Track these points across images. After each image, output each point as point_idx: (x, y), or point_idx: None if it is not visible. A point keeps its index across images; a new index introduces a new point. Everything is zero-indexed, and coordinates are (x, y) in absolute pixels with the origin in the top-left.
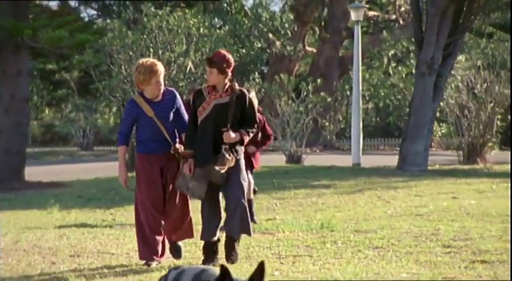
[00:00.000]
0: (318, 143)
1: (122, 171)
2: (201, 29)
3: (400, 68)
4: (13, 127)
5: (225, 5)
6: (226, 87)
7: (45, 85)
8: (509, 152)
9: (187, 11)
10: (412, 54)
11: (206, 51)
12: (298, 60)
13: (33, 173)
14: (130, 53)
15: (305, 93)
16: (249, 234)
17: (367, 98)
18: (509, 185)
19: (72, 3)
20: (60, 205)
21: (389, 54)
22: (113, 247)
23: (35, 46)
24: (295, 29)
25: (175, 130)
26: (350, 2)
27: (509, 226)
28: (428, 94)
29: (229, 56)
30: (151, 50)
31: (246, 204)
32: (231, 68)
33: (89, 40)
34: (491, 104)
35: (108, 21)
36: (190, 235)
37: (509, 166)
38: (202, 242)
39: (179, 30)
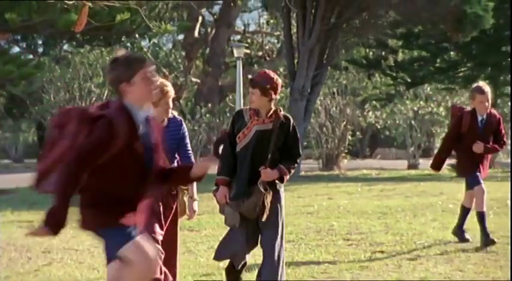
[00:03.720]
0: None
1: None
2: None
3: None
4: None
5: (128, 44)
6: (271, 112)
7: None
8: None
9: (103, 49)
10: None
11: None
12: (185, 88)
13: None
14: (58, 83)
15: (199, 115)
16: None
17: None
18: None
19: None
20: (11, 208)
21: None
22: (74, 244)
23: None
24: (186, 63)
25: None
26: (227, 42)
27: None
28: (300, 116)
29: (275, 77)
30: (75, 81)
31: (282, 250)
32: (277, 90)
33: (32, 73)
34: (344, 123)
35: (31, 56)
36: (173, 276)
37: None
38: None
39: (97, 65)
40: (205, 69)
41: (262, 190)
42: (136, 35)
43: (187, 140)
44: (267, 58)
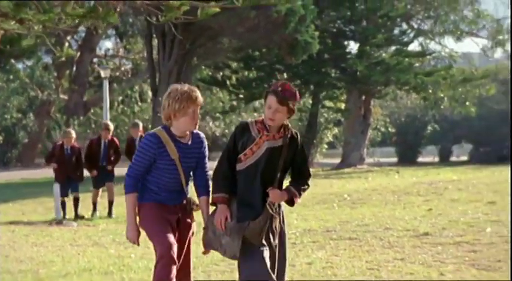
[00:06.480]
0: None
1: (132, 226)
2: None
3: (125, 108)
4: None
5: (8, 67)
6: (281, 127)
7: None
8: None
9: None
10: (133, 99)
11: (2, 98)
12: (54, 104)
13: None
14: None
15: (72, 126)
16: None
17: None
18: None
19: None
20: None
21: (119, 99)
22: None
23: None
24: (57, 82)
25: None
26: (90, 64)
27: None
28: None
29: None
30: None
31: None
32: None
33: None
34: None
35: None
36: None
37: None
38: None
39: None
40: (72, 87)
41: (271, 212)
42: (12, 60)
43: (207, 160)
44: (124, 78)
